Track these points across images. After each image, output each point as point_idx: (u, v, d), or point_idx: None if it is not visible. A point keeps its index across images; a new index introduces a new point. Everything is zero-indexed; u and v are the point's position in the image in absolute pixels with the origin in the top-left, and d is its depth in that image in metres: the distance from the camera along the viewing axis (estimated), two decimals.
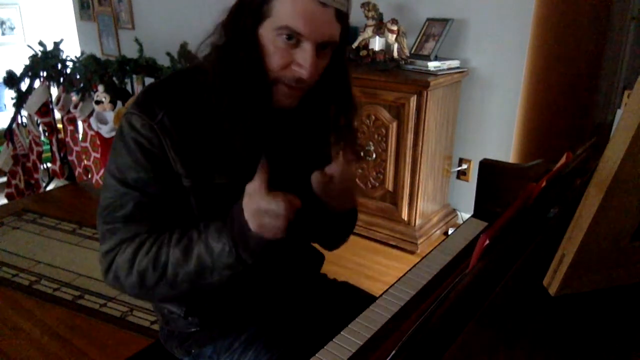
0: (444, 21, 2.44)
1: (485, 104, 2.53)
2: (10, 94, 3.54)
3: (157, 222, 0.83)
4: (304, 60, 0.78)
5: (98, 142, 3.09)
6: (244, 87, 0.80)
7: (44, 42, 3.26)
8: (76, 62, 3.07)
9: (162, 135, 0.80)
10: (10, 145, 3.50)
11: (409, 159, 2.38)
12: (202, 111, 0.82)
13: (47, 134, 3.54)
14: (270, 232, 0.76)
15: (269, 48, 0.79)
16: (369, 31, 2.50)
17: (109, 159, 0.85)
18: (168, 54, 2.76)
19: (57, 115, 3.45)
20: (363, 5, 2.46)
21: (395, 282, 0.95)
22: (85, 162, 3.30)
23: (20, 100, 3.41)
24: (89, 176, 3.32)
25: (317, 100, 0.89)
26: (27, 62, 3.29)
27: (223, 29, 0.81)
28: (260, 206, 0.74)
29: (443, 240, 1.14)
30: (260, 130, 0.82)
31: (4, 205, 3.30)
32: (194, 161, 0.82)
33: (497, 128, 2.53)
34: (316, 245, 1.12)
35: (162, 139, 0.80)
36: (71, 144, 3.39)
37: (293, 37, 0.77)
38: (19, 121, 3.51)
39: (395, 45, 2.45)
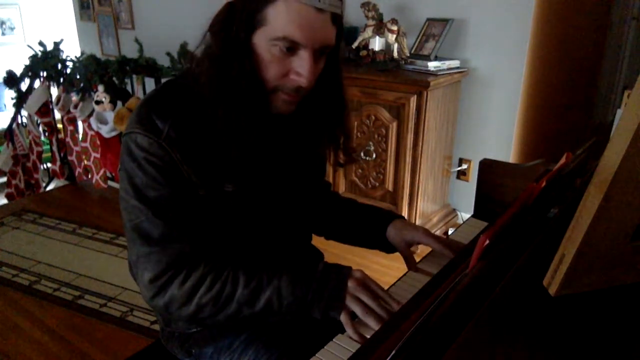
0: (444, 21, 2.44)
1: (485, 104, 2.53)
2: (10, 94, 3.54)
3: (194, 237, 0.83)
4: (302, 69, 0.77)
5: (98, 142, 3.10)
6: (240, 98, 0.78)
7: (44, 42, 3.26)
8: (76, 62, 3.07)
9: (171, 150, 0.79)
10: (10, 145, 3.50)
11: (409, 159, 2.38)
12: (201, 120, 0.81)
13: (47, 134, 3.55)
14: (353, 308, 0.79)
15: (264, 57, 0.77)
16: (369, 31, 2.50)
17: (120, 180, 0.83)
18: (168, 54, 2.76)
19: (57, 115, 3.45)
20: (363, 5, 2.46)
21: (395, 282, 0.95)
22: (85, 162, 3.31)
23: (20, 100, 3.41)
24: (89, 176, 3.32)
25: (312, 101, 0.87)
26: (27, 62, 3.29)
27: (213, 37, 0.78)
28: (373, 285, 0.81)
29: None
30: (259, 137, 0.81)
31: (4, 205, 3.30)
32: (204, 170, 0.82)
33: (497, 128, 2.53)
34: (316, 244, 1.12)
35: (172, 153, 0.79)
36: (71, 144, 3.39)
37: (291, 47, 0.75)
38: (19, 121, 3.51)
39: (395, 45, 2.44)
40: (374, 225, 1.06)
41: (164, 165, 0.79)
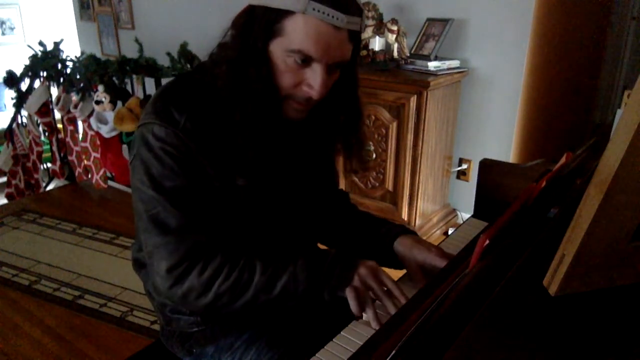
0: (444, 21, 2.44)
1: (485, 104, 2.53)
2: (10, 94, 3.54)
3: (209, 227, 0.83)
4: (314, 81, 0.79)
5: (98, 142, 3.10)
6: (255, 102, 0.80)
7: (44, 42, 3.26)
8: (76, 62, 3.07)
9: (187, 141, 0.80)
10: (10, 145, 3.50)
11: (409, 159, 2.38)
12: (216, 114, 0.82)
13: (47, 134, 3.54)
14: (357, 292, 0.81)
15: (279, 66, 0.79)
16: (369, 31, 2.50)
17: (134, 171, 0.83)
18: (168, 54, 2.76)
19: (57, 115, 3.45)
20: (363, 5, 2.46)
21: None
22: (85, 162, 3.30)
23: (20, 100, 3.41)
24: (89, 176, 3.32)
25: (326, 109, 0.89)
26: (27, 62, 3.29)
27: (232, 41, 0.80)
28: (383, 276, 0.83)
29: (443, 240, 1.13)
30: (271, 140, 0.84)
31: (4, 205, 3.30)
32: (218, 163, 0.83)
33: (497, 128, 2.53)
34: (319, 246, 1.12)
35: (188, 144, 0.80)
36: (71, 144, 3.39)
37: (305, 59, 0.77)
38: (19, 121, 3.51)
39: (395, 45, 2.45)
40: (381, 240, 1.01)
41: (181, 155, 0.80)
